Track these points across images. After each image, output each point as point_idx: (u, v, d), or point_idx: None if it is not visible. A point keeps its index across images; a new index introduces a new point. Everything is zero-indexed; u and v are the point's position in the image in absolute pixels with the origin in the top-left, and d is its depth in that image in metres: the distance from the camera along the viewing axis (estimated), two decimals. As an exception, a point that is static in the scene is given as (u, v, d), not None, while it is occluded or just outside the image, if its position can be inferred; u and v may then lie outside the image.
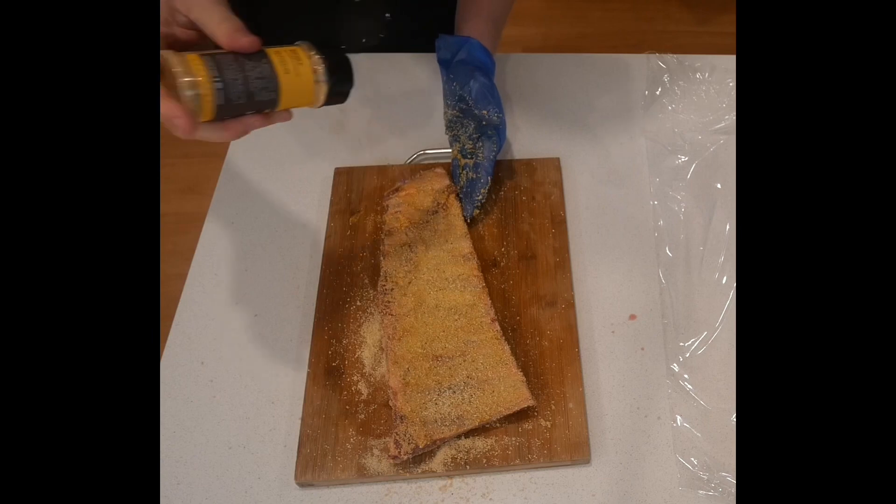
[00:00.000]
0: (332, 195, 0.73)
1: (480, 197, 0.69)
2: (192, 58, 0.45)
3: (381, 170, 0.75)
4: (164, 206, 1.66)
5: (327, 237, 0.69)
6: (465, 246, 0.67)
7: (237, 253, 0.70)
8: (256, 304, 0.67)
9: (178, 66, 0.45)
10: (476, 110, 0.69)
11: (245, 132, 0.49)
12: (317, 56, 0.50)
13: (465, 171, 0.71)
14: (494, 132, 0.70)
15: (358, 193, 0.73)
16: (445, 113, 0.74)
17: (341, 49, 0.53)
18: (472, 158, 0.71)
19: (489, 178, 0.69)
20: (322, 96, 0.51)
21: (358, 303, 0.65)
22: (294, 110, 0.52)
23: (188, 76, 0.45)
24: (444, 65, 0.74)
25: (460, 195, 0.71)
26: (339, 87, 0.52)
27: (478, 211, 0.70)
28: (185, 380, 0.63)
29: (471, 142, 0.71)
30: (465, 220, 0.69)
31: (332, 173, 0.74)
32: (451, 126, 0.73)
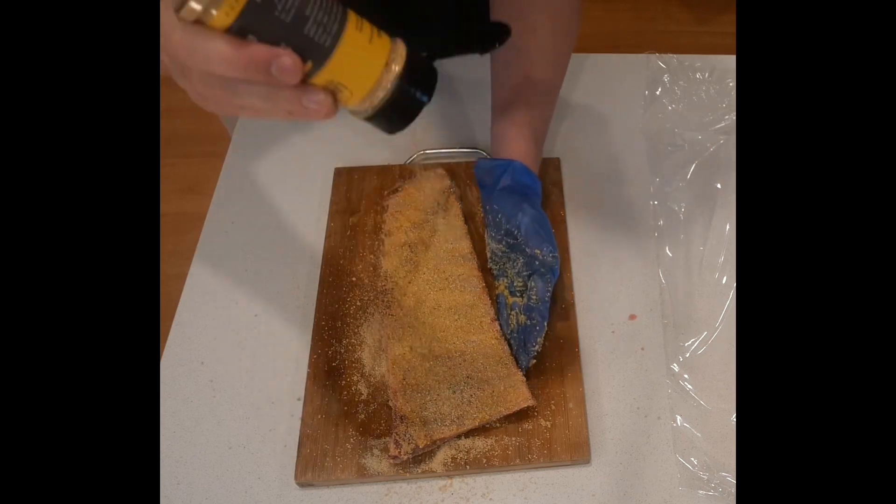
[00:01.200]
0: (332, 195, 0.73)
1: (537, 347, 0.59)
2: None
3: (381, 170, 0.74)
4: (164, 206, 1.66)
5: (327, 237, 0.69)
6: (465, 246, 0.67)
7: (237, 253, 0.70)
8: (256, 304, 0.67)
9: None
10: (528, 248, 0.62)
11: (257, 80, 0.35)
12: (403, 44, 0.39)
13: (514, 313, 0.62)
14: (548, 271, 0.62)
15: (358, 193, 0.73)
16: (488, 245, 0.67)
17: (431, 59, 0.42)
18: (521, 297, 0.62)
19: (545, 323, 0.59)
20: (387, 86, 0.38)
21: (358, 303, 0.65)
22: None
23: None
24: (486, 190, 0.67)
25: (510, 341, 0.61)
26: (414, 87, 0.40)
27: (534, 361, 0.60)
28: (185, 380, 0.63)
29: (520, 279, 0.63)
30: (521, 370, 0.59)
31: (332, 173, 0.74)
32: (495, 259, 0.66)
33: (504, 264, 0.65)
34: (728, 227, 0.71)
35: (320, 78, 0.37)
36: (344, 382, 0.60)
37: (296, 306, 0.66)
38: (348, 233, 0.70)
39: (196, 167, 1.82)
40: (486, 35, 0.44)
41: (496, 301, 0.64)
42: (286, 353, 0.64)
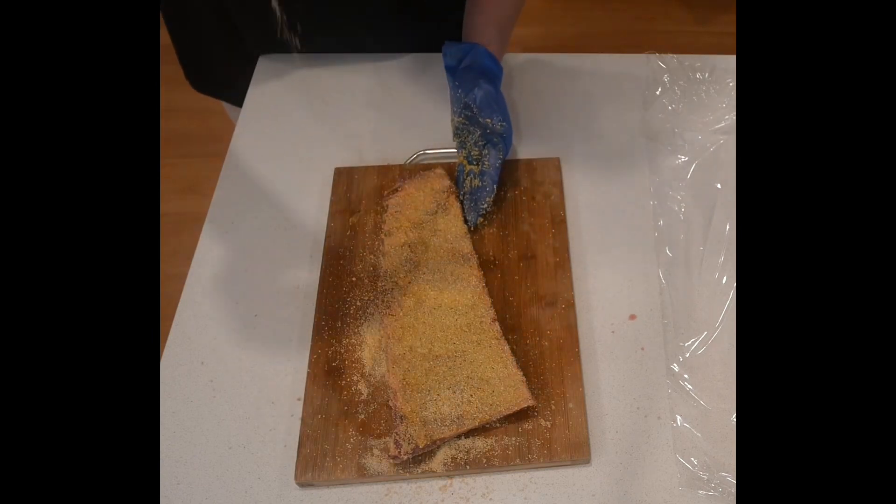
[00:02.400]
0: (332, 195, 0.73)
1: (485, 206, 0.69)
2: None
3: (381, 170, 0.74)
4: (164, 206, 1.66)
5: (327, 237, 0.69)
6: (465, 246, 0.67)
7: (237, 253, 0.70)
8: (256, 304, 0.67)
9: None
10: (480, 118, 0.69)
11: None
12: None
13: (469, 178, 0.70)
14: (500, 140, 0.70)
15: (358, 193, 0.73)
16: (452, 120, 0.73)
17: None
18: (477, 165, 0.71)
19: (494, 186, 0.69)
20: None
21: (358, 303, 0.65)
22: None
23: None
24: (451, 71, 0.74)
25: (463, 201, 0.70)
26: None
27: (481, 219, 0.70)
28: (185, 380, 0.63)
29: (476, 149, 0.71)
30: (468, 228, 0.69)
31: (332, 173, 0.74)
32: (457, 133, 0.73)
33: (464, 136, 0.73)
34: (728, 227, 0.71)
35: None
36: (344, 382, 0.60)
37: (296, 306, 0.66)
38: (348, 233, 0.70)
39: (196, 167, 1.82)
40: None
41: (457, 170, 0.72)
42: (286, 353, 0.64)
